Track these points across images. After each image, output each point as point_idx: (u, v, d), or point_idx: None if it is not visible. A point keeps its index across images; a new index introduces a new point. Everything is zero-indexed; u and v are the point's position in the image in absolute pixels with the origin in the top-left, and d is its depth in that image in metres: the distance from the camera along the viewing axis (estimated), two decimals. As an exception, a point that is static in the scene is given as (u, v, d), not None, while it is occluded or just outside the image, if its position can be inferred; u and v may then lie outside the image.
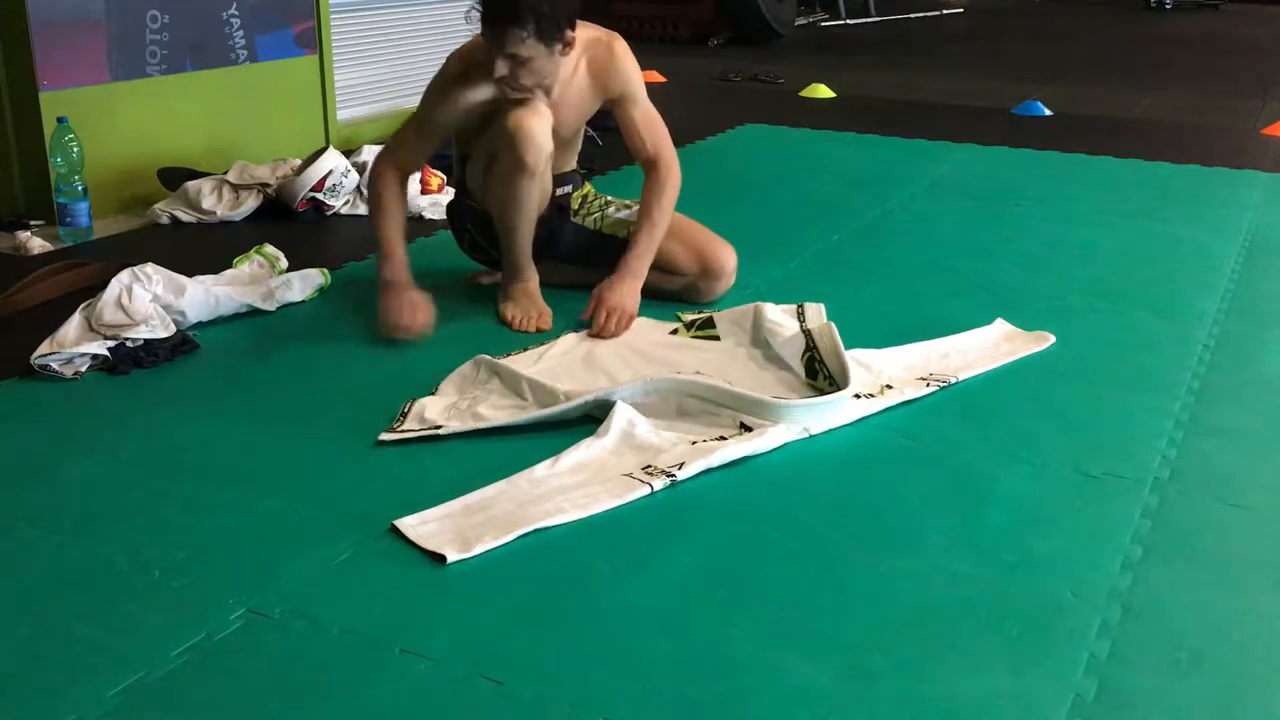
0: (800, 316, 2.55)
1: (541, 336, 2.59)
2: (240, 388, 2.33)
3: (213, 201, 3.49)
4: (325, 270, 2.89)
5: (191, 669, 1.49)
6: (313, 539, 1.79)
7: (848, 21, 9.92)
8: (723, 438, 2.11)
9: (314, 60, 4.21)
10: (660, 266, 2.77)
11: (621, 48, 2.70)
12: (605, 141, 4.19)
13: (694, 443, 2.10)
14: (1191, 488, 2.04)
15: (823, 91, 6.18)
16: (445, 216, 3.03)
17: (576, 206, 2.85)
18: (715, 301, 2.81)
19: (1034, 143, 4.93)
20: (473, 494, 1.91)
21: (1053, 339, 2.65)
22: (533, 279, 2.75)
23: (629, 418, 2.14)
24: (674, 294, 2.82)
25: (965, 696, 1.48)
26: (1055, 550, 1.82)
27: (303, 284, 2.81)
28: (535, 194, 2.64)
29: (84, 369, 2.35)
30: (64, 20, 3.34)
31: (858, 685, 1.50)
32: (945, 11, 11.11)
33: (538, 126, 2.55)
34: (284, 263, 2.90)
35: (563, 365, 2.43)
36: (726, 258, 2.83)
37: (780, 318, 2.55)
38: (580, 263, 2.83)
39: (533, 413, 2.18)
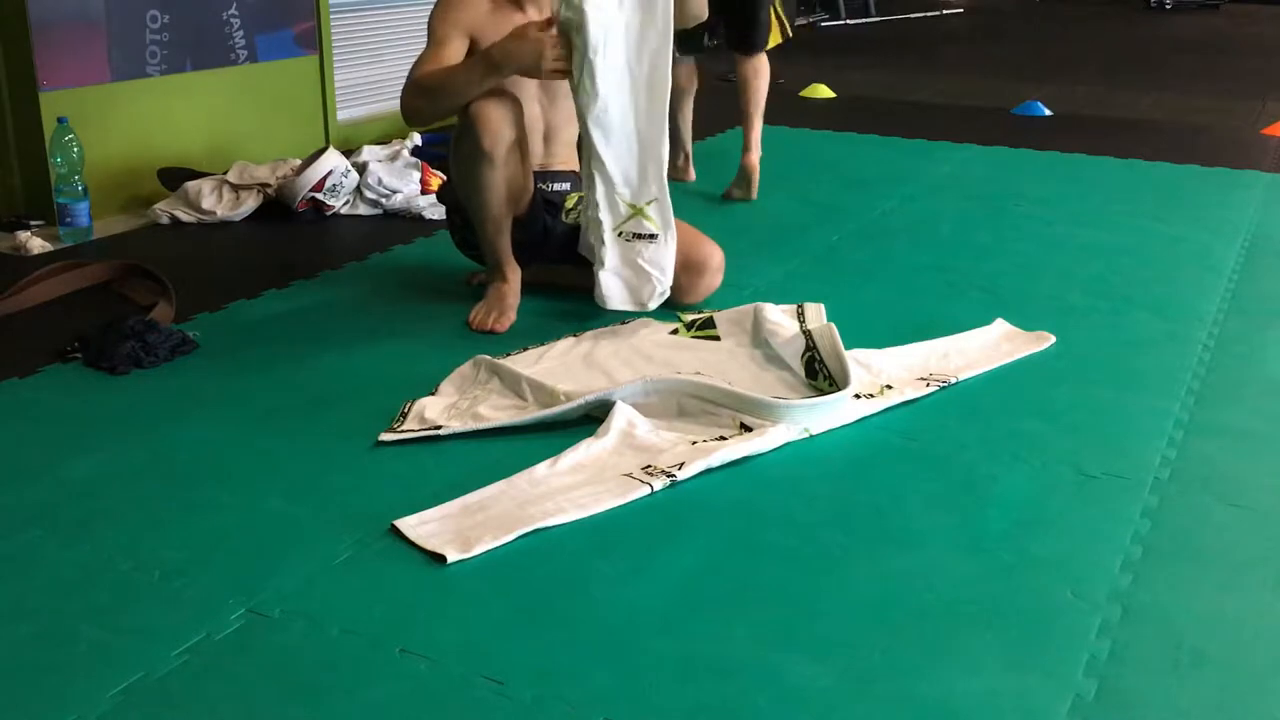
0: (800, 317, 2.55)
1: (541, 337, 2.59)
2: (240, 388, 2.33)
3: (213, 201, 3.49)
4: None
5: (191, 669, 1.49)
6: (313, 539, 1.79)
7: (848, 21, 9.91)
8: (723, 438, 2.11)
9: (314, 60, 4.21)
10: None
11: None
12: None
13: (694, 443, 2.10)
14: (1191, 488, 2.04)
15: (823, 91, 6.18)
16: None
17: (571, 206, 2.81)
18: (702, 303, 2.79)
19: (1034, 143, 4.93)
20: (473, 494, 1.91)
21: (1053, 339, 2.65)
22: (510, 278, 2.71)
23: (629, 418, 2.14)
24: None
25: (965, 696, 1.48)
26: (1055, 550, 1.82)
27: None
28: (499, 183, 2.58)
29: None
30: (64, 20, 3.34)
31: (858, 685, 1.50)
32: (945, 11, 11.10)
33: (496, 113, 2.52)
34: None
35: (563, 365, 2.43)
36: (711, 253, 2.80)
37: (780, 318, 2.55)
38: (575, 262, 2.81)
39: (533, 413, 2.18)
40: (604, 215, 2.59)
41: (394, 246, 3.30)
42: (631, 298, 2.63)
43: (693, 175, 4.16)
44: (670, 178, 3.83)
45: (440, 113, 2.63)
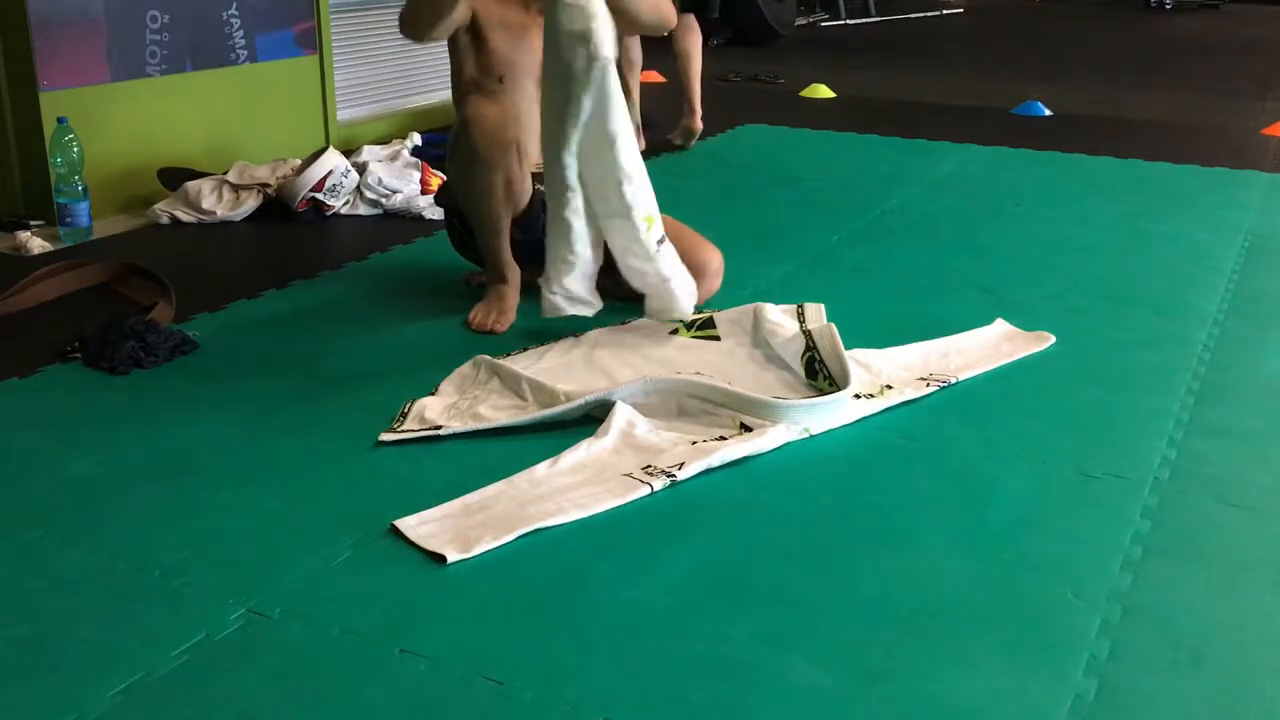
0: (800, 317, 2.55)
1: (541, 337, 2.59)
2: (240, 388, 2.33)
3: (213, 201, 3.49)
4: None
5: (191, 669, 1.49)
6: (313, 539, 1.79)
7: (848, 21, 9.92)
8: (723, 438, 2.11)
9: (314, 60, 4.21)
10: None
11: None
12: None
13: (694, 443, 2.10)
14: (1191, 488, 2.04)
15: (823, 91, 6.18)
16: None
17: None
18: (699, 306, 2.78)
19: (1034, 143, 4.93)
20: (473, 494, 1.91)
21: (1052, 339, 2.65)
22: (510, 278, 2.71)
23: (629, 418, 2.14)
24: None
25: (965, 696, 1.48)
26: (1055, 550, 1.82)
27: None
28: (496, 186, 2.57)
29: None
30: (64, 20, 3.34)
31: (858, 685, 1.50)
32: (945, 11, 11.10)
33: (492, 115, 2.51)
34: None
35: (563, 365, 2.43)
36: (710, 258, 2.78)
37: (780, 318, 2.55)
38: None
39: (533, 413, 2.18)
40: (640, 238, 2.46)
41: (394, 246, 3.30)
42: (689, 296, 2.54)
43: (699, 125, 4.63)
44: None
45: (422, 20, 2.53)
